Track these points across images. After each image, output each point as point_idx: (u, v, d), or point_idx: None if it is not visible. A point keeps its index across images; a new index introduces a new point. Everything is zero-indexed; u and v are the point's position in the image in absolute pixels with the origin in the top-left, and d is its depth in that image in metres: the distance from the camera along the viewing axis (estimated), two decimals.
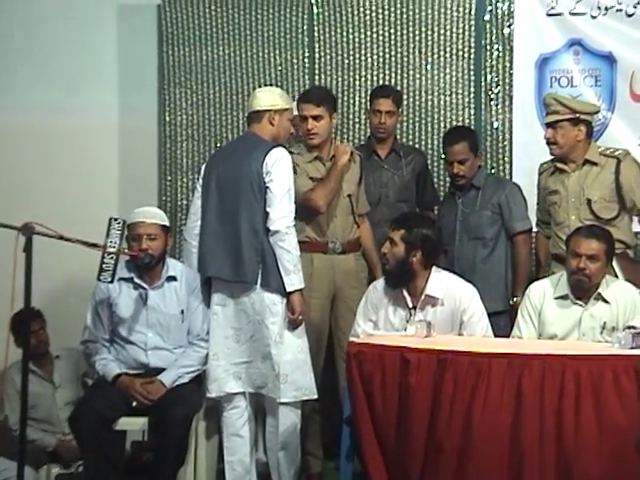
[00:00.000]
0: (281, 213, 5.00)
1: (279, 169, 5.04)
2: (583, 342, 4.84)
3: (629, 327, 4.73)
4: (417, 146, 6.60)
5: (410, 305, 5.07)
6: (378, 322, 5.11)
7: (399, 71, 6.71)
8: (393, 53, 6.72)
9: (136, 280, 5.18)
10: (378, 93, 6.18)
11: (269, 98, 5.29)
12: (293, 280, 5.00)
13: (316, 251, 5.56)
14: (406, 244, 4.98)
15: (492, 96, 6.61)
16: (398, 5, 6.67)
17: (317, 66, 6.77)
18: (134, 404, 5.01)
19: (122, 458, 5.19)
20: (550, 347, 4.57)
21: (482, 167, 6.10)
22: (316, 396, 5.21)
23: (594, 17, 6.37)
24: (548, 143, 5.57)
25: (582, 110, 5.55)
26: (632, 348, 4.30)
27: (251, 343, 5.14)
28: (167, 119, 6.95)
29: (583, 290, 4.99)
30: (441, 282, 5.09)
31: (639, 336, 4.38)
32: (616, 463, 3.99)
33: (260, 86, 6.69)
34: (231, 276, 5.17)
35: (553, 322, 5.03)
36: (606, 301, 4.99)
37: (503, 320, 5.62)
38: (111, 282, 4.84)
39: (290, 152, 5.32)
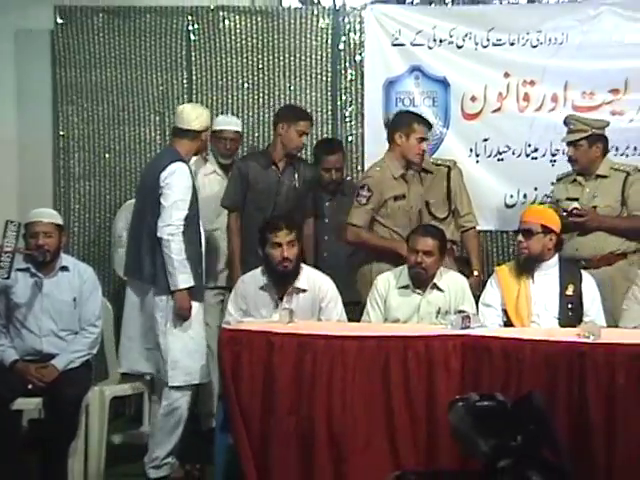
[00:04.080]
0: (165, 222, 5.02)
1: (170, 182, 5.06)
2: (421, 325, 4.97)
3: (459, 311, 4.90)
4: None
5: (277, 296, 5.16)
6: (248, 310, 5.15)
7: (266, 92, 6.78)
8: (261, 76, 6.78)
9: (32, 270, 5.13)
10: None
11: (193, 117, 5.27)
12: (175, 281, 5.02)
13: None
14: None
15: (346, 114, 6.76)
16: (265, 34, 6.76)
17: (194, 87, 6.79)
18: (30, 387, 4.98)
19: (19, 434, 5.14)
20: (394, 330, 4.73)
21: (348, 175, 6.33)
22: (206, 380, 5.27)
23: (431, 48, 6.55)
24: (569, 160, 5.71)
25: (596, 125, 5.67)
26: (462, 329, 4.51)
27: (150, 333, 5.21)
28: (61, 133, 6.89)
29: (421, 281, 5.14)
30: (307, 275, 5.20)
31: (468, 319, 4.59)
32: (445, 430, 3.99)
33: (144, 104, 6.81)
34: (133, 275, 5.30)
35: (397, 308, 5.15)
36: (440, 289, 5.15)
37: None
38: (7, 278, 4.85)
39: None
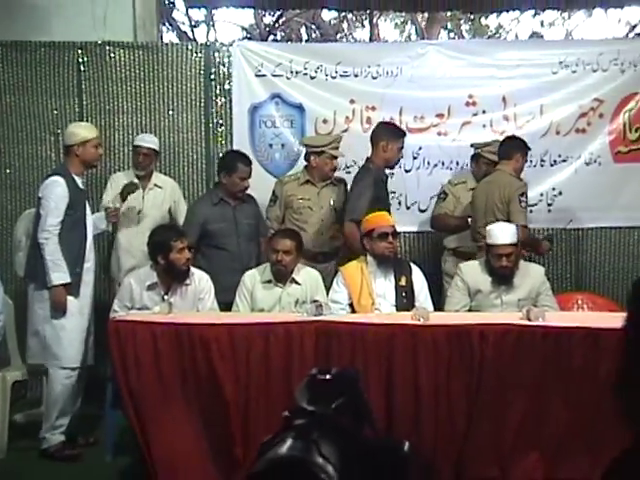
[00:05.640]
0: (41, 227, 5.00)
1: (45, 193, 5.04)
2: (282, 314, 5.01)
3: (314, 301, 4.95)
4: (171, 173, 6.59)
5: (163, 292, 5.13)
6: (134, 306, 5.10)
7: (148, 115, 6.72)
8: (143, 101, 6.71)
9: None
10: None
11: (74, 134, 5.22)
12: (50, 278, 4.96)
13: None
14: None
15: (218, 134, 6.74)
16: (147, 66, 6.69)
17: (85, 111, 6.67)
18: None
19: None
20: (259, 318, 4.76)
21: None
22: (84, 365, 5.15)
23: (289, 78, 6.64)
24: None
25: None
26: (315, 315, 4.55)
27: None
28: None
29: (281, 276, 5.20)
30: (194, 273, 5.21)
31: (320, 307, 4.64)
32: None
33: (40, 126, 6.67)
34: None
35: (261, 300, 5.20)
36: (298, 283, 5.21)
37: None
38: None
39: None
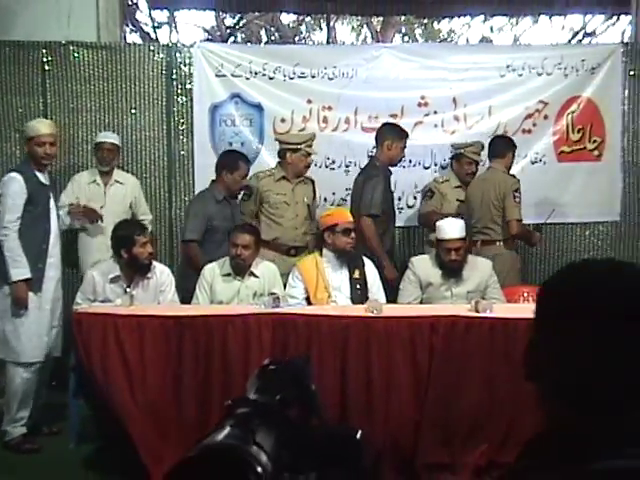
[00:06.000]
0: (0, 224, 4.89)
1: (3, 190, 4.94)
2: (240, 306, 4.97)
3: (271, 293, 4.95)
4: (133, 170, 6.51)
5: (125, 285, 5.07)
6: (96, 299, 5.03)
7: (111, 113, 6.63)
8: (107, 100, 6.62)
9: None
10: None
11: (26, 130, 5.16)
12: (9, 273, 4.87)
13: None
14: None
15: (179, 132, 6.68)
16: (110, 66, 6.60)
17: (49, 109, 6.56)
18: None
19: None
20: (218, 310, 4.74)
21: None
22: (40, 359, 5.01)
23: (248, 79, 6.59)
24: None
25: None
26: (273, 307, 4.55)
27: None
28: None
29: (240, 269, 5.15)
30: (155, 266, 5.17)
31: (278, 299, 4.65)
32: None
33: (5, 123, 6.56)
34: None
35: (220, 292, 5.15)
36: (256, 276, 5.17)
37: None
38: None
39: None
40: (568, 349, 1.20)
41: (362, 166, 6.13)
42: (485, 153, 6.16)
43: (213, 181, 5.84)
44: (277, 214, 5.74)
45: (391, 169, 5.89)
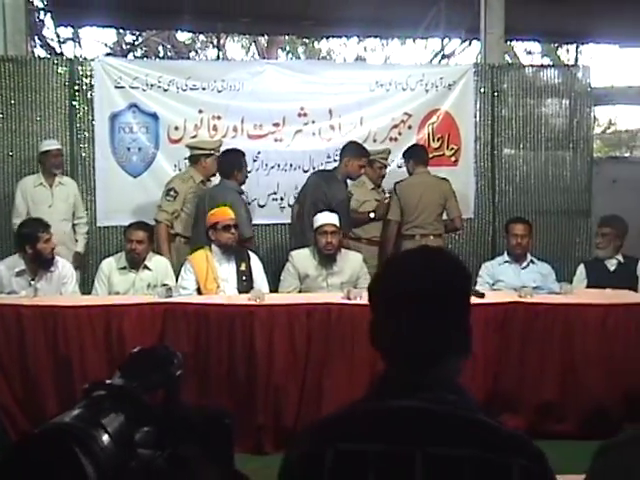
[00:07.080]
0: None
1: None
2: (136, 296, 4.85)
3: (164, 284, 4.91)
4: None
5: (30, 278, 4.92)
6: (3, 291, 4.86)
7: (19, 121, 6.45)
8: (14, 109, 6.44)
9: None
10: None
11: None
12: None
13: None
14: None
15: (81, 138, 6.53)
16: (17, 77, 6.41)
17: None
18: None
19: None
20: (116, 300, 4.65)
21: None
22: None
23: (144, 90, 6.46)
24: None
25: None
26: (165, 298, 4.47)
27: None
28: None
29: (135, 263, 5.06)
30: (58, 260, 5.02)
31: (170, 290, 4.58)
32: None
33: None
34: None
35: (117, 284, 5.06)
36: (149, 269, 5.11)
37: None
38: None
39: None
40: (383, 322, 1.44)
41: (248, 170, 6.07)
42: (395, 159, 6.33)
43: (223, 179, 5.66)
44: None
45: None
